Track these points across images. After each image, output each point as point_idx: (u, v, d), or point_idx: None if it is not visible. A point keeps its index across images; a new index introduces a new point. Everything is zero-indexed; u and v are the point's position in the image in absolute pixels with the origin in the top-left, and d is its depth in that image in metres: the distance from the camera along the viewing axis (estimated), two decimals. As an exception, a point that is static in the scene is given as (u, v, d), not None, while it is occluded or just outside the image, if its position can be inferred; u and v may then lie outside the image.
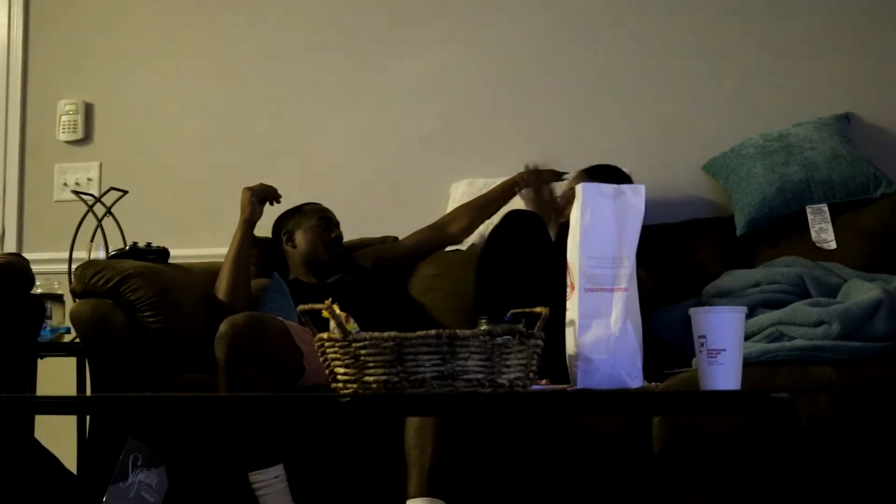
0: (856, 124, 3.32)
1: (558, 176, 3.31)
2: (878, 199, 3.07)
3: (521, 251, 2.83)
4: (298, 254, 3.27)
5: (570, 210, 3.05)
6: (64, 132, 4.01)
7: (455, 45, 3.71)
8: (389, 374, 1.81)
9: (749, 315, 2.56)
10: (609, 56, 3.58)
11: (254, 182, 3.22)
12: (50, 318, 3.37)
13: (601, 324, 1.95)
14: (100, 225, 3.58)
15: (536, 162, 3.33)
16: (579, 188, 2.01)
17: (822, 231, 3.05)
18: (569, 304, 2.00)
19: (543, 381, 2.29)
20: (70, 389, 3.41)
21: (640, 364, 1.97)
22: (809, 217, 3.08)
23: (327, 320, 1.88)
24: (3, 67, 4.10)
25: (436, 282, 3.33)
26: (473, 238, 3.40)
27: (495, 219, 3.26)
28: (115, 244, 3.51)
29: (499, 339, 1.82)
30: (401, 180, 3.70)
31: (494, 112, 3.66)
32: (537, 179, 3.34)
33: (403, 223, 3.47)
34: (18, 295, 2.99)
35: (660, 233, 3.17)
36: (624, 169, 3.32)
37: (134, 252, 3.19)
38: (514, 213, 2.95)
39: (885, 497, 2.36)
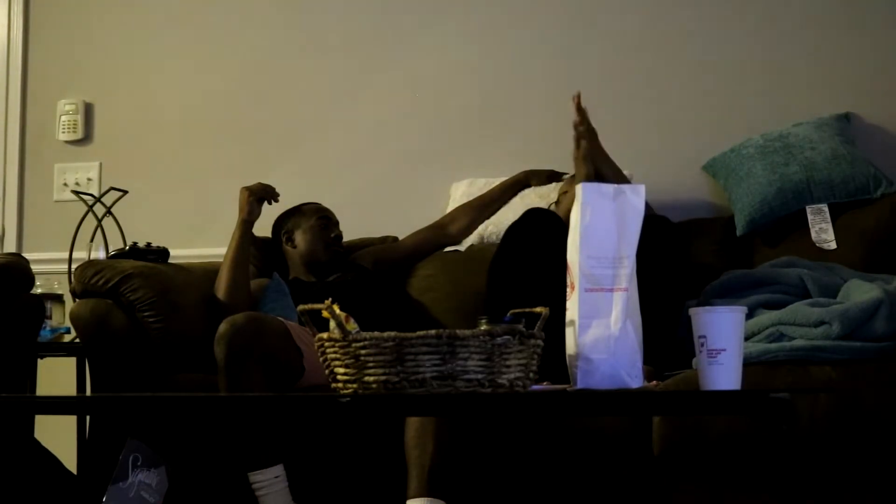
0: (856, 124, 3.31)
1: (557, 176, 3.31)
2: (878, 199, 3.07)
3: (537, 249, 2.82)
4: (298, 254, 3.27)
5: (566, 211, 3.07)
6: (64, 132, 4.01)
7: (455, 45, 3.72)
8: (389, 374, 1.81)
9: (749, 315, 2.56)
10: (609, 56, 3.58)
11: (253, 182, 3.22)
12: (50, 318, 3.37)
13: (601, 324, 1.95)
14: (100, 225, 3.58)
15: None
16: (579, 188, 2.01)
17: (822, 231, 3.05)
18: (569, 304, 2.00)
19: (544, 383, 2.29)
20: (70, 389, 3.41)
21: (640, 364, 1.97)
22: (809, 217, 3.08)
23: (327, 320, 1.88)
24: (3, 67, 4.11)
25: (435, 282, 3.33)
26: (473, 238, 3.40)
27: (504, 217, 3.26)
28: (115, 244, 3.52)
29: (499, 339, 1.82)
30: (401, 180, 3.70)
31: (494, 112, 3.66)
32: (536, 179, 3.34)
33: (403, 223, 3.47)
34: (18, 295, 2.99)
35: (660, 233, 3.16)
36: (624, 170, 3.32)
37: (134, 252, 3.19)
38: (532, 212, 2.95)
39: (885, 497, 2.36)
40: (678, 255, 2.82)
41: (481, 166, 3.56)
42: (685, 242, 2.89)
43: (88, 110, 4.03)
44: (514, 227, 2.93)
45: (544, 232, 2.86)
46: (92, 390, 3.00)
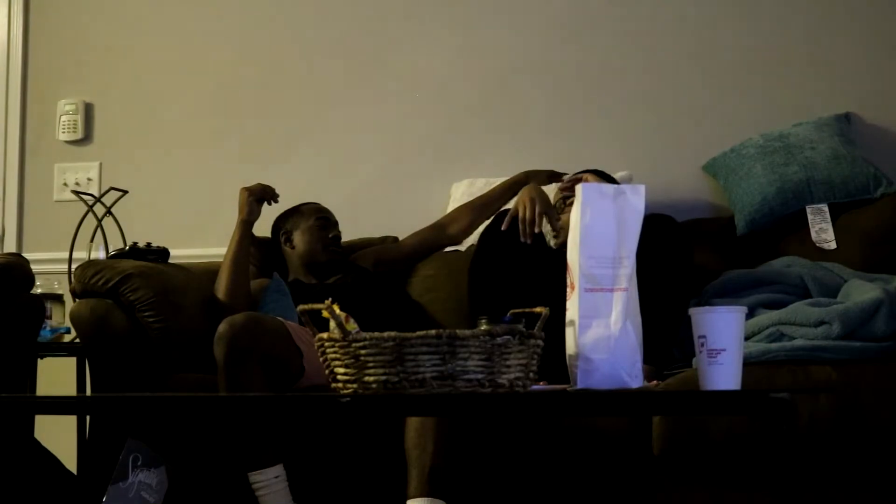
0: (856, 124, 3.32)
1: (557, 176, 3.31)
2: (878, 199, 3.08)
3: (511, 251, 2.84)
4: (297, 254, 3.27)
5: (566, 215, 3.08)
6: (64, 132, 4.01)
7: (455, 45, 3.72)
8: (389, 374, 1.81)
9: (749, 315, 2.56)
10: (609, 56, 3.58)
11: (253, 182, 3.22)
12: (50, 318, 3.37)
13: (601, 324, 1.95)
14: (100, 225, 3.58)
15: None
16: (579, 188, 2.01)
17: (822, 231, 3.05)
18: (569, 304, 2.00)
19: (541, 383, 2.29)
20: (70, 389, 3.41)
21: (640, 364, 1.97)
22: (809, 217, 3.08)
23: (327, 320, 1.88)
24: (3, 67, 4.10)
25: (435, 282, 3.33)
26: (473, 239, 3.40)
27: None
28: (115, 244, 3.52)
29: (499, 339, 1.82)
30: (401, 180, 3.70)
31: (494, 112, 3.66)
32: (536, 179, 3.34)
33: (403, 223, 3.47)
34: (18, 295, 2.99)
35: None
36: (624, 170, 3.32)
37: (134, 252, 3.18)
38: (504, 215, 2.97)
39: (885, 497, 2.36)
40: (683, 253, 2.83)
41: (481, 166, 3.56)
42: (689, 241, 2.89)
43: (88, 110, 4.03)
44: (487, 230, 2.95)
45: (516, 233, 2.91)
46: (92, 390, 3.00)
